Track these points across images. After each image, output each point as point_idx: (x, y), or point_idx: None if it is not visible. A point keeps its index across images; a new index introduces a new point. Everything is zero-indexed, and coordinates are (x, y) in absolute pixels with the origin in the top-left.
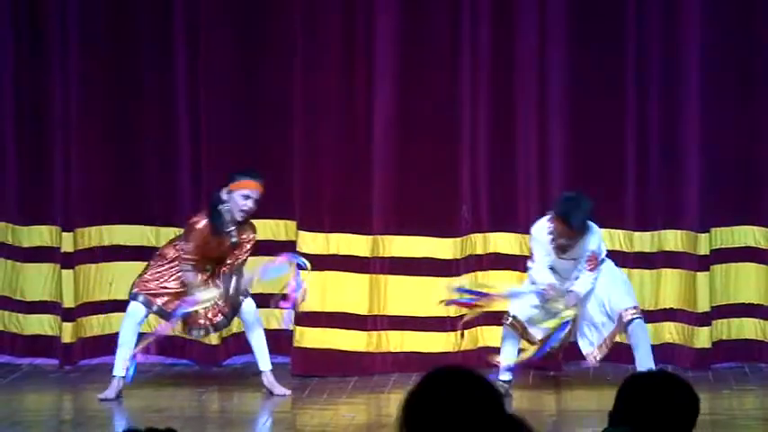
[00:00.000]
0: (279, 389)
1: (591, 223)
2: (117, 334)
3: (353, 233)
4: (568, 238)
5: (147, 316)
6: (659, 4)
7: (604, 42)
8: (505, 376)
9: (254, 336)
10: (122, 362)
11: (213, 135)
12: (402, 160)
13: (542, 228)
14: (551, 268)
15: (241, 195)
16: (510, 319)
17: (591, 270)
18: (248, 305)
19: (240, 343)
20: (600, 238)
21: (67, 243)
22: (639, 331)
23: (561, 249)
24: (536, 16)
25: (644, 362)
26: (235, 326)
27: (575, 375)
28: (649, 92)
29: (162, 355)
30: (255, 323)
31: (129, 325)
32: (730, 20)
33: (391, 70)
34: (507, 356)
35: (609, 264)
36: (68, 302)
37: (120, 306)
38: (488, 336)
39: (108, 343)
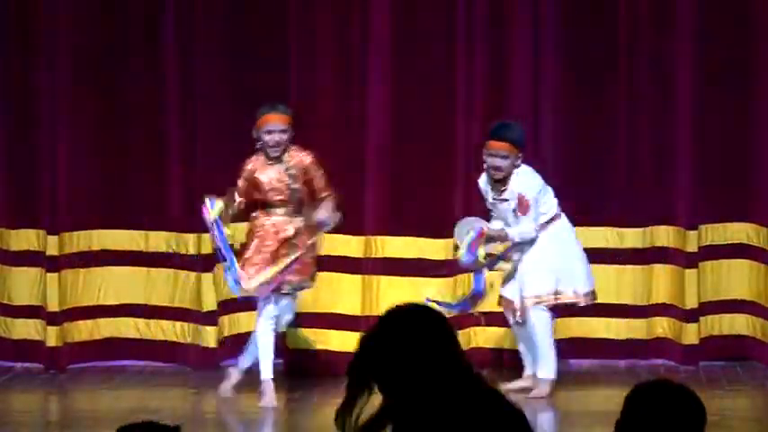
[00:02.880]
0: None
1: (526, 166)
2: (106, 340)
3: (346, 234)
4: (493, 154)
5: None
6: (650, 4)
7: (596, 43)
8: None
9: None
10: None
11: (204, 138)
12: (395, 161)
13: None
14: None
15: (264, 132)
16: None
17: (523, 214)
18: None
19: (233, 345)
20: (534, 184)
21: (53, 247)
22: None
23: (494, 185)
24: (530, 18)
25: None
26: (226, 328)
27: (565, 375)
28: (641, 88)
29: (153, 359)
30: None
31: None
32: (722, 17)
33: (386, 71)
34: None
35: (564, 234)
36: (53, 306)
37: (108, 311)
38: (481, 337)
39: (97, 348)
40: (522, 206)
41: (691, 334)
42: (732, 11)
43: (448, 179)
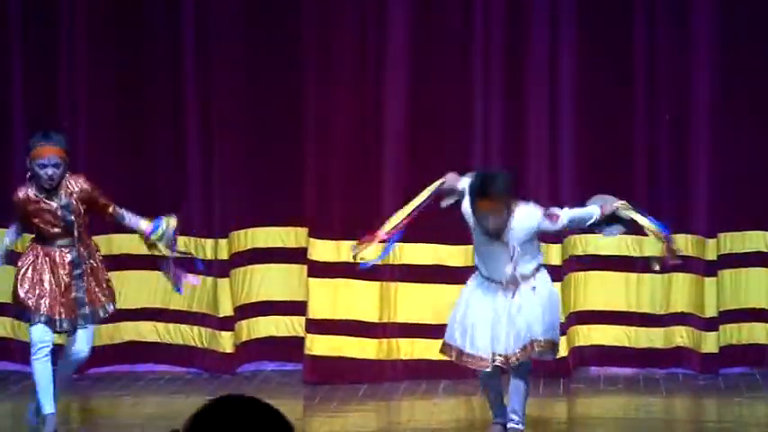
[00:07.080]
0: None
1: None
2: (127, 344)
3: None
4: (490, 211)
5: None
6: (669, 5)
7: (614, 44)
8: None
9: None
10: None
11: (223, 144)
12: (412, 168)
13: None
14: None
15: (37, 165)
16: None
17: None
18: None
19: (251, 351)
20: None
21: None
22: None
23: (489, 232)
24: (548, 16)
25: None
26: (245, 333)
27: (584, 382)
28: (659, 95)
29: (173, 364)
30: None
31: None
32: (742, 21)
33: (402, 79)
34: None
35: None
36: None
37: (128, 315)
38: None
39: (118, 352)
40: (554, 217)
41: (710, 343)
42: (753, 12)
43: None
